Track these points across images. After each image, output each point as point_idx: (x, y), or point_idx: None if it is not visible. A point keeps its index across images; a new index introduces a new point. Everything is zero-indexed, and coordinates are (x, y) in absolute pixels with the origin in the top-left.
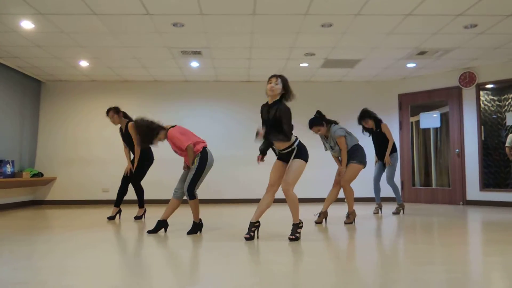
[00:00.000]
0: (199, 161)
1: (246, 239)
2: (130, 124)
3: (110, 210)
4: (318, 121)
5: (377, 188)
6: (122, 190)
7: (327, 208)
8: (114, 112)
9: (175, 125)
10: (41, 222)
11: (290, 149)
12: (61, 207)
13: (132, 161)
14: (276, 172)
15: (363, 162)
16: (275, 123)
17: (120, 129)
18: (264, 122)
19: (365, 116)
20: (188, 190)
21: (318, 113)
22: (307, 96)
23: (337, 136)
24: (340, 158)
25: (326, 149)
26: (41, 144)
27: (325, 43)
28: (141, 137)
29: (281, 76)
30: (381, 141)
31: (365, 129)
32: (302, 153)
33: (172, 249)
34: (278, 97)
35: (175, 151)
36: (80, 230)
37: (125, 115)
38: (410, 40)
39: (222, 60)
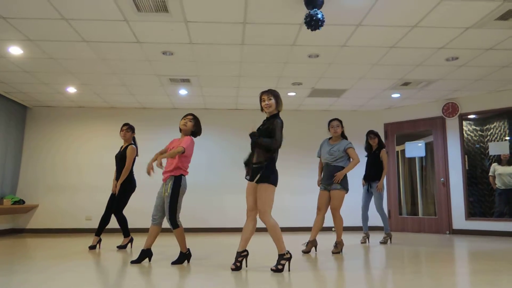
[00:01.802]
0: (171, 189)
1: (232, 269)
2: (130, 146)
3: (93, 239)
4: (341, 121)
5: (365, 217)
6: (105, 219)
7: (315, 236)
8: (129, 129)
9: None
10: (21, 251)
11: (259, 165)
12: (42, 236)
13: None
14: (250, 196)
15: (346, 188)
16: (266, 135)
17: (120, 148)
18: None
19: (373, 133)
20: (170, 220)
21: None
22: (295, 124)
23: (350, 147)
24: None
25: (318, 156)
26: (24, 171)
27: (312, 73)
28: (198, 126)
29: (271, 91)
30: (373, 163)
31: (367, 146)
32: (269, 174)
33: (156, 280)
34: (275, 112)
35: (168, 150)
36: (61, 260)
37: (133, 139)
38: (395, 72)
39: (210, 88)
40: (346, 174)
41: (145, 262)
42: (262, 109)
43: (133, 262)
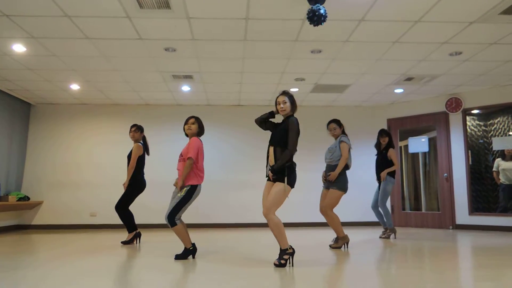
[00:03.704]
0: (186, 193)
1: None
2: (136, 144)
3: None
4: (338, 121)
5: (377, 213)
6: (121, 216)
7: (342, 233)
8: (138, 130)
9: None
10: (25, 247)
11: (278, 168)
12: (47, 232)
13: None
14: (266, 196)
15: (343, 188)
16: (282, 136)
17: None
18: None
19: (385, 133)
20: (169, 218)
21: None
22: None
23: (341, 140)
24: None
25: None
26: (28, 167)
27: (315, 68)
28: (201, 127)
29: (287, 94)
30: (381, 162)
31: (378, 145)
32: (288, 175)
33: (160, 275)
34: (289, 114)
35: (180, 156)
36: (63, 256)
37: (143, 139)
38: (398, 67)
39: (213, 85)
40: (345, 175)
41: (153, 257)
42: (277, 111)
43: (177, 257)
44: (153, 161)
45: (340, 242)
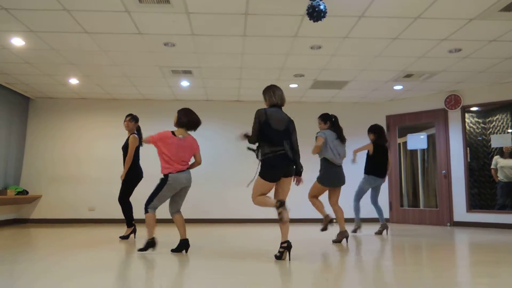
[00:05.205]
0: (159, 181)
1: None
2: (132, 135)
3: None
4: (323, 116)
5: (377, 209)
6: (123, 208)
7: (344, 228)
8: (132, 120)
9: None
10: (24, 241)
11: (258, 159)
12: (45, 226)
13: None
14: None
15: (321, 180)
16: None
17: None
18: None
19: (369, 129)
20: (145, 204)
21: (332, 116)
22: (296, 116)
23: (317, 135)
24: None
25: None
26: (27, 161)
27: (314, 64)
28: (181, 116)
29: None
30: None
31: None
32: (261, 167)
33: (161, 270)
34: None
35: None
36: (62, 250)
37: (137, 129)
38: (397, 63)
39: (212, 80)
40: (328, 170)
41: (151, 253)
42: None
43: (173, 250)
44: (151, 156)
45: (338, 237)
